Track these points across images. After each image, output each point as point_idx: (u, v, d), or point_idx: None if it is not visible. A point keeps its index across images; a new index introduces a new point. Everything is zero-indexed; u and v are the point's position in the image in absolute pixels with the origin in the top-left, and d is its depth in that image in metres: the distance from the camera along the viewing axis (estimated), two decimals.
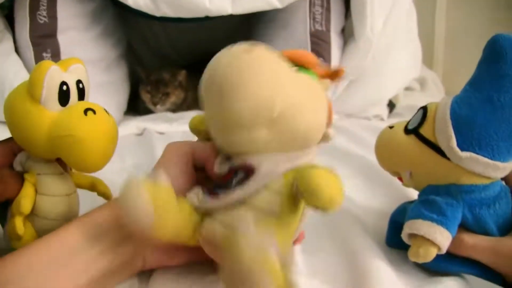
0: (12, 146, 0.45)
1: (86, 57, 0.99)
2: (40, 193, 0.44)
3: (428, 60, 1.46)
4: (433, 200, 0.43)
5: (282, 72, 0.37)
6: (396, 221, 0.49)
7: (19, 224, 0.42)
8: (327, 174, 0.34)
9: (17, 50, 0.97)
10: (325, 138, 0.42)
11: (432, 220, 0.41)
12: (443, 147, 0.43)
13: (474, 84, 0.44)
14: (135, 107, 1.19)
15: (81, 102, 0.44)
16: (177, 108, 1.19)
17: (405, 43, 1.15)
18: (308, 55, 0.40)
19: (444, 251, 0.41)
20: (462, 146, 0.42)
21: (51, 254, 0.37)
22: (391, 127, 0.50)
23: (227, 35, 1.41)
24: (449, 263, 0.45)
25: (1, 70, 0.92)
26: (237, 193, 0.38)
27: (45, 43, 0.95)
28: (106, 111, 0.44)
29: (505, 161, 0.42)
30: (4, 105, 0.43)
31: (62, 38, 0.97)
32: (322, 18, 1.05)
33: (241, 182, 0.38)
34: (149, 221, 0.35)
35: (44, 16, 0.94)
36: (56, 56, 0.95)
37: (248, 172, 0.38)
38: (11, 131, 0.43)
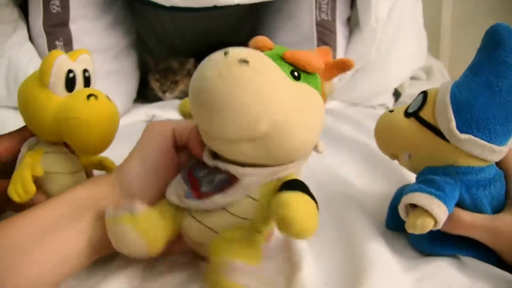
0: (25, 134, 0.48)
1: (97, 45, 1.03)
2: (46, 170, 0.47)
3: (434, 49, 1.46)
4: (432, 178, 0.44)
5: (274, 88, 0.35)
6: (396, 204, 0.51)
7: (29, 179, 0.44)
8: (301, 204, 0.35)
9: (31, 39, 1.00)
10: (314, 149, 0.43)
11: (430, 193, 0.42)
12: (443, 129, 0.44)
13: (473, 69, 0.45)
14: (145, 95, 1.22)
15: (85, 88, 0.47)
16: (185, 95, 1.20)
17: (410, 32, 1.16)
18: (311, 58, 0.39)
19: (440, 225, 0.42)
20: (461, 129, 0.43)
21: (30, 230, 0.38)
22: (391, 111, 0.51)
23: (234, 25, 1.43)
24: (444, 247, 0.47)
25: (16, 58, 0.95)
26: (218, 200, 0.39)
27: (57, 31, 0.97)
28: (108, 97, 0.47)
29: (501, 144, 0.44)
30: (17, 90, 0.46)
31: (74, 27, 0.99)
32: (328, 7, 1.06)
33: (222, 188, 0.39)
34: (143, 250, 0.39)
35: (57, 6, 0.96)
36: (68, 45, 0.98)
37: (231, 180, 0.39)
38: (23, 115, 0.47)
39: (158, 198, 0.43)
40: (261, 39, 0.41)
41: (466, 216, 0.44)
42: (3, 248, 0.37)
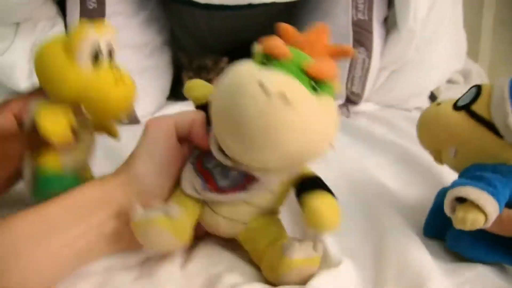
0: (39, 96, 0.48)
1: (132, 42, 1.04)
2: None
3: (473, 52, 1.41)
4: (481, 175, 0.42)
5: (314, 125, 0.37)
6: (437, 208, 0.48)
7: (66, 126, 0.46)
8: (329, 210, 0.40)
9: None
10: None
11: (481, 188, 0.39)
12: (498, 124, 0.43)
13: None
14: (178, 92, 1.22)
15: (112, 69, 0.48)
16: None
17: (449, 33, 1.13)
18: (331, 71, 0.39)
19: (490, 223, 0.39)
20: None
21: (39, 227, 0.39)
22: (438, 104, 0.49)
23: (268, 23, 1.41)
24: (488, 253, 0.44)
25: None
26: (241, 196, 0.43)
27: None
28: (130, 77, 0.49)
29: None
30: (37, 53, 0.47)
31: (110, 23, 1.00)
32: (365, 7, 1.04)
33: (243, 185, 0.42)
34: (176, 247, 0.43)
35: (94, 2, 0.97)
36: None
37: (249, 176, 0.42)
38: (40, 78, 0.47)
39: (169, 192, 0.45)
40: (281, 48, 0.39)
41: None
42: (10, 241, 0.37)
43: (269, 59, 0.38)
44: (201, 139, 0.44)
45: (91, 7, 0.97)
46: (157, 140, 0.44)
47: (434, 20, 1.07)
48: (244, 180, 0.42)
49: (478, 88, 0.46)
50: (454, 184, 0.42)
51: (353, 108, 1.10)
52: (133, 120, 1.03)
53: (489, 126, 0.43)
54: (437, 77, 1.14)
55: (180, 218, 0.41)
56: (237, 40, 1.44)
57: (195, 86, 0.50)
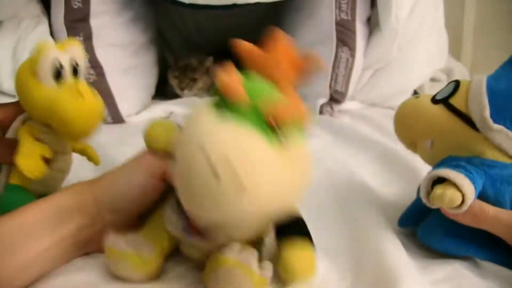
0: (18, 108, 0.50)
1: (116, 40, 1.04)
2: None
3: (456, 51, 1.43)
4: (457, 164, 0.43)
5: (270, 192, 0.34)
6: (418, 199, 0.49)
7: (40, 158, 0.48)
8: (304, 265, 0.40)
9: (52, 33, 1.01)
10: None
11: (460, 171, 0.41)
12: (475, 117, 0.44)
13: None
14: (164, 91, 1.22)
15: (73, 84, 0.48)
16: (204, 93, 1.21)
17: (431, 32, 1.15)
18: (293, 115, 0.35)
19: (466, 206, 0.40)
20: (495, 119, 0.43)
21: (12, 233, 0.40)
22: (417, 97, 0.50)
23: (255, 23, 1.42)
24: (459, 247, 0.46)
25: None
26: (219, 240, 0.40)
27: (78, 27, 0.98)
28: (93, 94, 0.49)
29: None
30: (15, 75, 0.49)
31: (94, 22, 1.00)
32: (348, 7, 1.05)
33: None
34: (141, 280, 0.41)
35: (78, 1, 0.97)
36: (88, 39, 0.99)
37: None
38: (18, 96, 0.49)
39: (139, 214, 0.45)
40: (235, 92, 0.34)
41: (490, 209, 0.43)
42: None
43: (225, 100, 0.35)
44: None
45: (75, 6, 0.98)
46: (141, 177, 0.44)
47: (416, 19, 1.09)
48: None
49: (457, 83, 0.47)
50: (434, 168, 0.44)
51: (337, 107, 1.11)
52: (118, 119, 1.03)
53: (466, 119, 0.44)
54: (420, 76, 1.16)
55: (150, 257, 0.41)
56: (224, 39, 1.44)
57: (155, 134, 0.44)
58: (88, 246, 0.44)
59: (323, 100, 1.09)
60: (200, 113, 0.36)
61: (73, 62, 0.48)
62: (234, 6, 1.00)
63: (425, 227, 0.48)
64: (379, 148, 0.79)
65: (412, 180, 0.64)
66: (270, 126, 0.34)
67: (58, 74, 0.47)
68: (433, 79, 1.31)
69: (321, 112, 1.08)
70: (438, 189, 0.40)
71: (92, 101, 0.48)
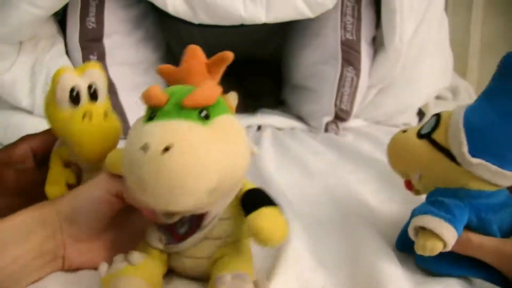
0: (52, 134, 0.52)
1: (128, 59, 1.08)
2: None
3: (461, 69, 1.45)
4: (442, 201, 0.45)
5: (208, 156, 0.36)
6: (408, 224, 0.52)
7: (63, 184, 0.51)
8: (268, 219, 0.39)
9: (67, 53, 1.05)
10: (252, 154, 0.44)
11: (440, 216, 0.43)
12: (455, 152, 0.45)
13: (488, 95, 0.46)
14: None
15: (84, 106, 0.49)
16: None
17: (436, 51, 1.17)
18: (208, 94, 0.39)
19: (449, 248, 0.43)
20: (473, 153, 0.44)
21: None
22: (404, 131, 0.52)
23: (262, 40, 1.46)
24: (453, 267, 0.47)
25: (54, 70, 1.00)
26: (198, 236, 0.42)
27: (92, 46, 1.02)
28: (106, 114, 0.50)
29: None
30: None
31: (107, 42, 1.04)
32: (353, 27, 1.08)
33: (197, 224, 0.42)
34: None
35: (93, 22, 1.01)
36: (101, 59, 1.02)
37: (200, 215, 0.42)
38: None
39: (105, 228, 0.47)
40: (154, 96, 0.39)
41: (475, 238, 0.45)
42: None
43: (154, 110, 0.39)
44: (151, 216, 0.45)
45: (90, 27, 1.02)
46: (99, 189, 0.45)
47: (420, 39, 1.11)
48: (197, 219, 0.42)
49: (438, 117, 0.48)
50: (416, 211, 0.45)
51: (342, 125, 1.13)
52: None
53: (447, 153, 0.46)
54: (424, 94, 1.18)
55: (144, 263, 0.42)
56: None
57: (113, 160, 0.46)
58: (55, 262, 0.45)
59: (328, 118, 1.11)
60: (135, 124, 0.41)
61: (92, 85, 0.49)
62: (242, 25, 1.04)
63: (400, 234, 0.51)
64: (380, 166, 0.80)
65: (410, 199, 0.65)
66: (190, 109, 0.38)
67: (75, 100, 0.48)
68: (438, 97, 1.33)
69: (326, 130, 1.11)
70: (420, 240, 0.43)
71: (100, 123, 0.49)
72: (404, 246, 0.53)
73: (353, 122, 1.16)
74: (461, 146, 0.44)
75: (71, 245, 0.45)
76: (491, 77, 0.46)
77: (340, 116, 1.11)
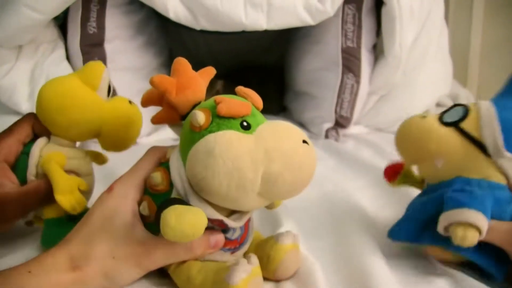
0: (27, 131, 0.51)
1: (130, 64, 1.08)
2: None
3: (462, 77, 1.45)
4: (471, 191, 0.46)
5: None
6: (413, 215, 0.52)
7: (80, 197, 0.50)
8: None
9: (68, 58, 1.05)
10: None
11: (477, 209, 0.44)
12: (488, 144, 0.46)
13: None
14: None
15: (121, 96, 0.54)
16: None
17: (436, 58, 1.17)
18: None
19: (482, 237, 0.44)
20: (507, 147, 0.45)
21: None
22: (423, 117, 0.51)
23: (265, 47, 1.46)
24: (436, 237, 0.47)
25: (54, 75, 1.00)
26: (251, 235, 0.48)
27: (93, 51, 1.02)
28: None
29: None
30: (53, 91, 0.50)
31: (109, 47, 1.04)
32: (354, 35, 1.08)
33: (246, 227, 0.46)
34: None
35: (94, 27, 1.01)
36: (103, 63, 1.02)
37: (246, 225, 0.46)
38: (57, 115, 0.50)
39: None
40: (245, 108, 0.42)
41: (490, 221, 0.45)
42: None
43: (243, 120, 0.41)
44: None
45: (91, 32, 1.02)
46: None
47: (420, 46, 1.11)
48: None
49: (466, 107, 0.49)
50: (450, 205, 0.45)
51: (343, 131, 1.13)
52: None
53: (478, 144, 0.47)
54: (425, 101, 1.18)
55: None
56: (235, 62, 1.49)
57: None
58: None
59: (328, 124, 1.11)
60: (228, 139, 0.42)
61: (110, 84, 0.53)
62: (244, 31, 1.04)
63: (399, 225, 0.52)
64: (379, 173, 0.80)
65: (406, 205, 0.66)
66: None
67: (109, 91, 0.52)
68: (439, 105, 1.33)
69: (327, 137, 1.11)
70: (460, 231, 0.43)
71: (136, 108, 0.54)
72: (404, 235, 0.52)
73: (354, 129, 1.16)
74: (497, 139, 0.45)
75: None
76: None
77: (341, 123, 1.11)
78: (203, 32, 1.06)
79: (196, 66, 1.47)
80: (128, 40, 1.09)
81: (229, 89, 0.48)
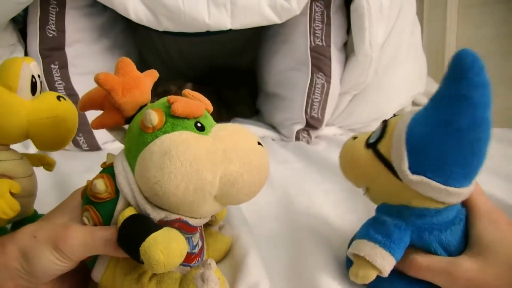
0: None
1: (93, 68, 1.05)
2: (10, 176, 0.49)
3: (438, 75, 1.44)
4: (383, 220, 0.42)
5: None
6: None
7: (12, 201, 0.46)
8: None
9: None
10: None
11: (376, 241, 0.41)
12: (396, 167, 0.41)
13: (434, 102, 0.39)
14: None
15: (49, 92, 0.51)
16: None
17: (409, 57, 1.14)
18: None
19: (385, 274, 0.40)
20: (415, 169, 0.39)
21: None
22: (354, 138, 0.47)
23: (236, 49, 1.44)
24: (394, 284, 0.44)
25: None
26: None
27: (53, 55, 0.99)
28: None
29: (460, 186, 0.40)
30: None
31: (70, 50, 1.00)
32: (322, 33, 1.05)
33: (202, 238, 0.44)
34: None
35: (53, 30, 0.98)
36: (63, 68, 0.99)
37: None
38: None
39: None
40: (198, 109, 0.40)
41: (422, 259, 0.42)
42: None
43: (197, 121, 0.40)
44: None
45: (50, 35, 0.98)
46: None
47: (392, 44, 1.08)
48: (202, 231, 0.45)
49: (385, 125, 0.44)
50: (358, 233, 0.44)
51: (315, 133, 1.10)
52: (94, 146, 1.03)
53: (390, 167, 0.42)
54: (399, 100, 1.15)
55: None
56: (206, 64, 1.46)
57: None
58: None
59: (299, 126, 1.09)
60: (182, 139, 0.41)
61: (33, 78, 0.49)
62: (210, 33, 1.01)
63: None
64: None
65: (373, 211, 0.63)
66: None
67: (34, 89, 0.48)
68: (415, 103, 1.31)
69: (297, 138, 1.08)
70: (354, 268, 0.42)
71: (71, 102, 0.51)
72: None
73: (327, 130, 1.14)
74: (401, 162, 0.40)
75: None
76: (440, 81, 0.39)
77: (312, 124, 1.08)
78: (168, 33, 1.03)
79: (168, 70, 1.45)
80: (92, 44, 1.06)
81: (199, 91, 0.45)
